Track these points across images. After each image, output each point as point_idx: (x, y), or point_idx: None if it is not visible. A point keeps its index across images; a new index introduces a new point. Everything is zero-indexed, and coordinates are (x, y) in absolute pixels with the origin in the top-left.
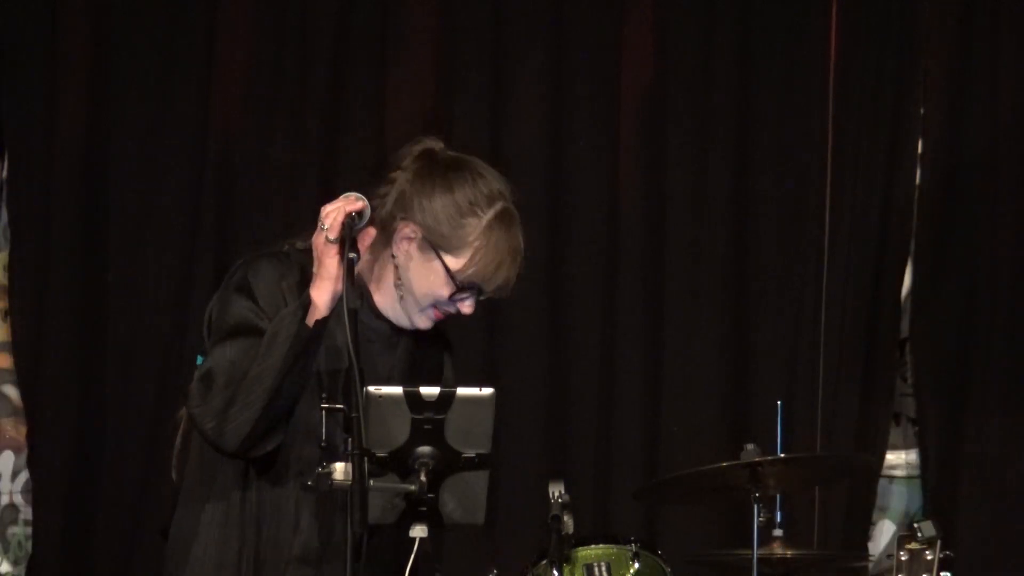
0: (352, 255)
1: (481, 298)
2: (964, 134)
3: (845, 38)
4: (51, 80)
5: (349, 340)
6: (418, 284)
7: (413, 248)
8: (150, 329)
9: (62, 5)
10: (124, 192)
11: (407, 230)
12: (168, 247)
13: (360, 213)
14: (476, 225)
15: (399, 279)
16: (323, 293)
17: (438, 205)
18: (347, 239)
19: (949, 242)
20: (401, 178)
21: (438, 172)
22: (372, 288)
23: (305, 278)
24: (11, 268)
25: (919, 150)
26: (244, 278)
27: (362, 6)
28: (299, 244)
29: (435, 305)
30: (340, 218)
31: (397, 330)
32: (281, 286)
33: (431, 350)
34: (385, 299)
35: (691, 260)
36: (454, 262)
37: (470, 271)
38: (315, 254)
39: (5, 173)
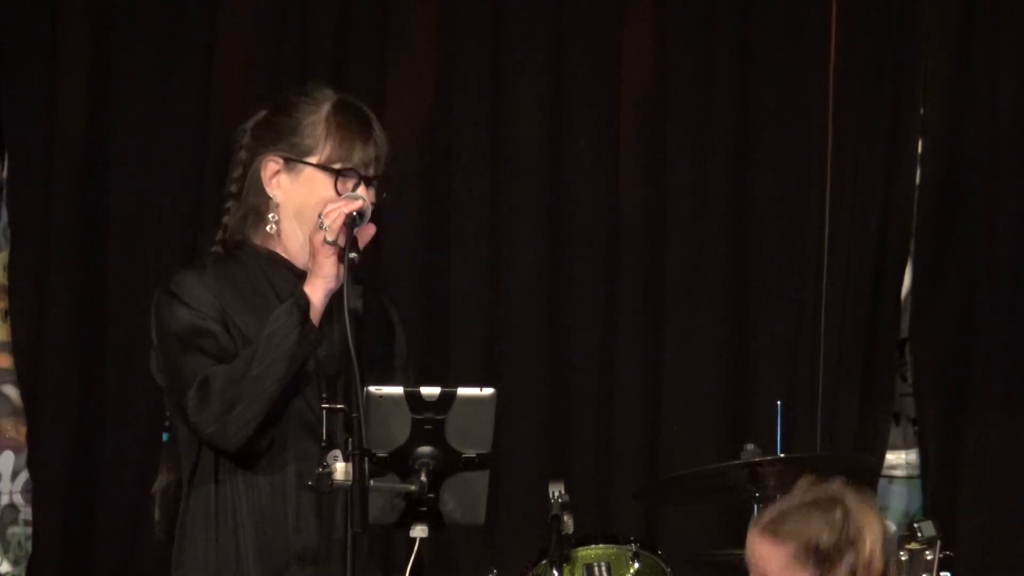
0: (352, 255)
1: (369, 188)
2: (964, 134)
3: (845, 38)
4: (51, 80)
5: (350, 339)
6: (305, 203)
7: (283, 176)
8: (150, 330)
9: (62, 5)
10: (124, 192)
11: (270, 164)
12: (168, 247)
13: (361, 213)
14: (319, 118)
15: (291, 213)
16: (317, 291)
17: (282, 126)
18: (348, 239)
19: (949, 242)
20: (244, 146)
21: (270, 113)
22: (280, 248)
23: (221, 273)
24: (11, 268)
25: (919, 150)
26: (167, 290)
27: (362, 6)
28: (212, 248)
29: None
30: (340, 220)
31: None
32: (204, 284)
33: (367, 297)
34: (292, 245)
35: (691, 260)
36: (317, 158)
37: (333, 156)
38: (311, 251)
39: (5, 173)
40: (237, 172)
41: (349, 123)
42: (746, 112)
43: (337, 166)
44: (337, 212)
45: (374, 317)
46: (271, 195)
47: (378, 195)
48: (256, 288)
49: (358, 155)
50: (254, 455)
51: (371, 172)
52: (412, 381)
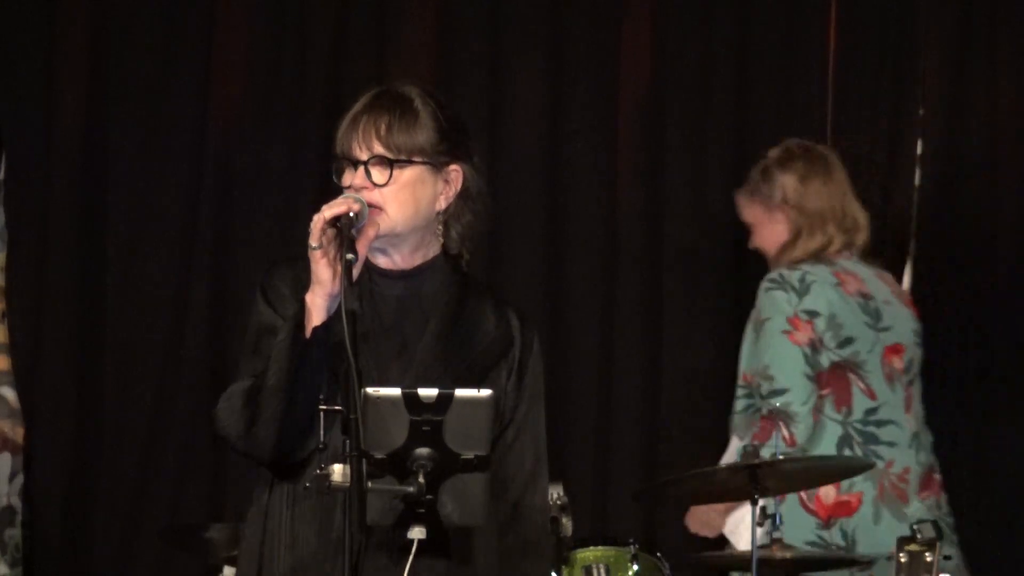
0: (350, 256)
1: (373, 169)
2: (963, 135)
3: (844, 39)
4: (49, 80)
5: (347, 341)
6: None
7: None
8: (149, 330)
9: (61, 4)
10: (122, 193)
11: None
12: (166, 248)
13: (358, 214)
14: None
15: None
16: (315, 297)
17: None
18: (344, 240)
19: (948, 243)
20: None
21: None
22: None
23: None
24: (8, 269)
25: (918, 151)
26: (261, 283)
27: (360, 6)
28: None
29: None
30: (319, 223)
31: (426, 293)
32: (297, 286)
33: (488, 316)
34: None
35: (690, 260)
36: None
37: (335, 147)
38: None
39: (2, 173)
40: None
41: (349, 111)
42: (745, 114)
43: (339, 152)
44: (318, 216)
45: (487, 327)
46: None
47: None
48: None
49: (343, 140)
50: (295, 463)
51: (360, 155)
52: (527, 400)
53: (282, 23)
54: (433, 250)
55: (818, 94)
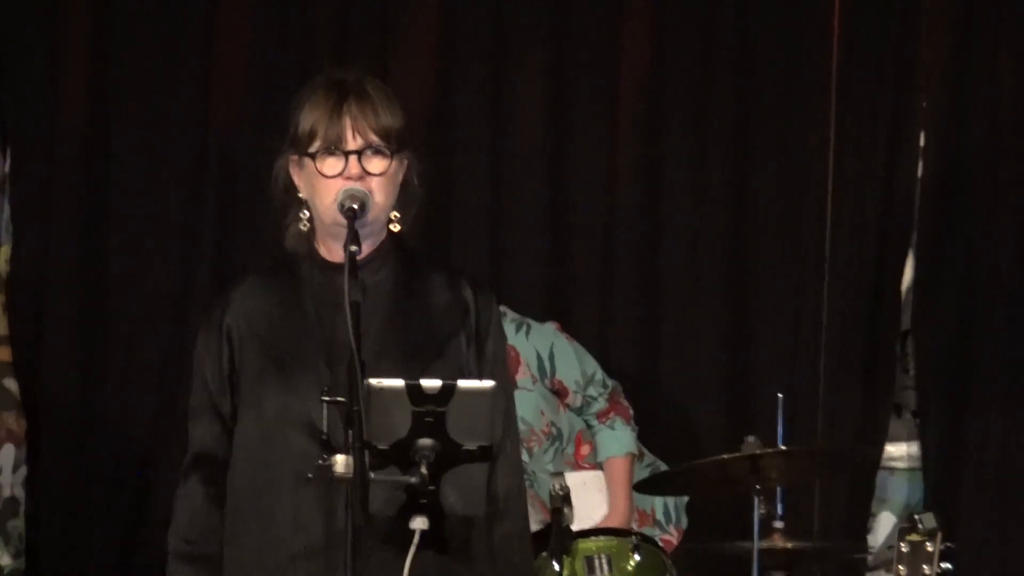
0: (353, 248)
1: (368, 159)
2: (965, 127)
3: (847, 30)
4: (52, 75)
5: (351, 334)
6: (316, 191)
7: (296, 170)
8: (151, 323)
9: (63, 1)
10: (125, 187)
11: (289, 164)
12: (169, 241)
13: (363, 205)
14: (304, 104)
15: (311, 206)
16: None
17: (288, 124)
18: (349, 232)
19: (951, 234)
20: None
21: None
22: (317, 244)
23: (295, 280)
24: (12, 262)
25: (920, 143)
26: (211, 312)
27: (363, 2)
28: (287, 243)
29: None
30: None
31: (382, 277)
32: (268, 294)
33: (439, 287)
34: (319, 237)
35: (691, 253)
36: (304, 146)
37: (307, 139)
38: None
39: (8, 168)
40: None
41: (319, 101)
42: (746, 104)
43: (312, 149)
44: None
45: (439, 298)
46: (300, 194)
47: (400, 159)
48: (290, 299)
49: (326, 132)
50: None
51: (353, 145)
52: (491, 366)
53: (284, 19)
54: (384, 232)
55: (821, 85)
